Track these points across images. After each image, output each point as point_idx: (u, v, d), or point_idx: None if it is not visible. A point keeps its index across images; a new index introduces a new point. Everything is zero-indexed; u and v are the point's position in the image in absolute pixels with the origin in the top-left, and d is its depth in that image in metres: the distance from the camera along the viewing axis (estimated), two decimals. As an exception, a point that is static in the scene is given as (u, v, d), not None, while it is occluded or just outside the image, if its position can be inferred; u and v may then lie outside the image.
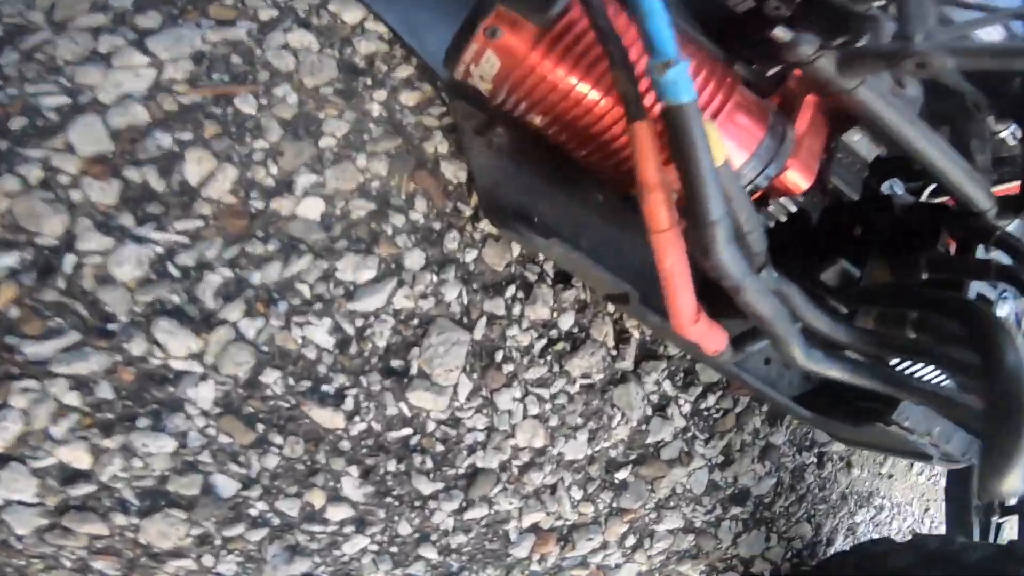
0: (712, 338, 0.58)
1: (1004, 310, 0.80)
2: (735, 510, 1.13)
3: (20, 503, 0.69)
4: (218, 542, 0.76)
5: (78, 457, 0.71)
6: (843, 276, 0.78)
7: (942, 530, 1.36)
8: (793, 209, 0.73)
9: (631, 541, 1.03)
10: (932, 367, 0.82)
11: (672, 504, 1.05)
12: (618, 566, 1.03)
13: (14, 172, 0.67)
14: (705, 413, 1.06)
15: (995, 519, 1.29)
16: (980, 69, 0.63)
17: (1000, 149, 0.83)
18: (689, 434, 1.04)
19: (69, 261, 0.68)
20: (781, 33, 0.62)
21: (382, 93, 0.81)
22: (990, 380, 0.45)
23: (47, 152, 0.68)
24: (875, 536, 1.42)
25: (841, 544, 1.34)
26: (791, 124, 0.67)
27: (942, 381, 0.86)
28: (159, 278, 0.71)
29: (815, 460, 1.24)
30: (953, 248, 0.78)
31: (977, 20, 0.55)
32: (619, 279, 0.77)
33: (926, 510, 1.57)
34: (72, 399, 0.70)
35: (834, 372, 0.60)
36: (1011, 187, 0.83)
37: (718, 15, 0.70)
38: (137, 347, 0.71)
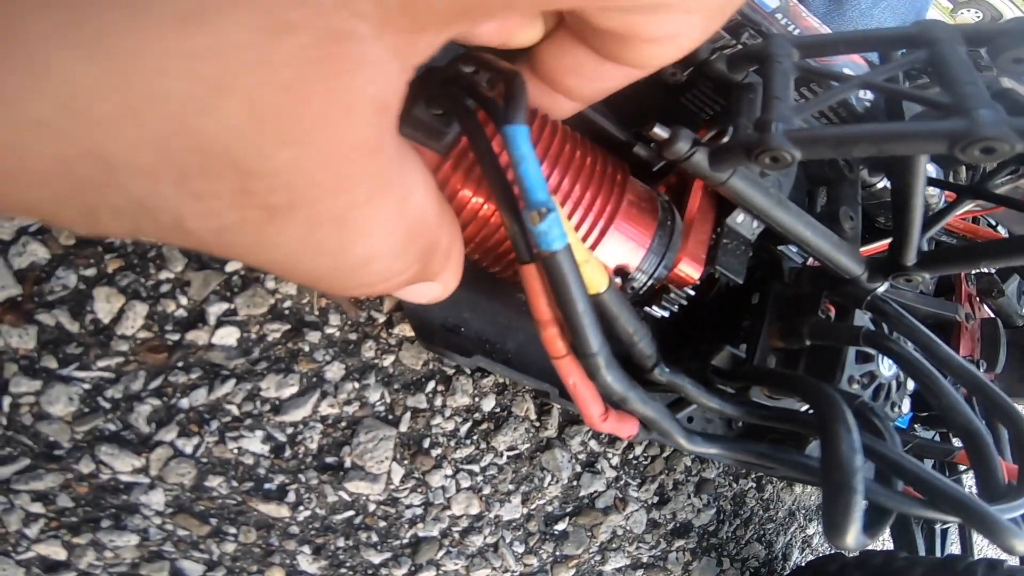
0: (623, 428, 0.62)
1: (885, 367, 0.83)
2: (679, 542, 1.20)
3: (13, 588, 0.78)
4: (194, 616, 0.84)
5: (54, 551, 0.79)
6: (732, 358, 0.82)
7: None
8: (692, 293, 0.74)
9: (580, 582, 1.11)
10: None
11: (615, 546, 1.12)
12: (571, 606, 1.11)
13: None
14: (634, 462, 1.12)
15: (938, 527, 1.34)
16: (824, 157, 0.65)
17: (883, 195, 0.84)
18: (621, 482, 1.11)
19: (6, 402, 0.75)
20: (659, 131, 0.60)
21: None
22: (826, 461, 0.49)
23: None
24: (831, 547, 1.49)
25: (798, 557, 1.41)
26: (679, 214, 0.68)
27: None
28: (92, 411, 0.77)
29: (754, 486, 1.30)
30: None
31: (828, 94, 0.53)
32: (539, 380, 0.81)
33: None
34: (37, 508, 0.77)
35: (713, 451, 0.65)
36: (881, 246, 0.85)
37: (627, 89, 0.71)
38: (86, 467, 0.78)
